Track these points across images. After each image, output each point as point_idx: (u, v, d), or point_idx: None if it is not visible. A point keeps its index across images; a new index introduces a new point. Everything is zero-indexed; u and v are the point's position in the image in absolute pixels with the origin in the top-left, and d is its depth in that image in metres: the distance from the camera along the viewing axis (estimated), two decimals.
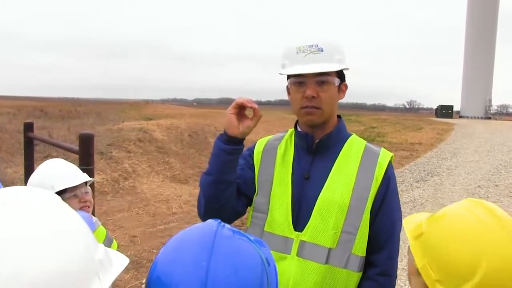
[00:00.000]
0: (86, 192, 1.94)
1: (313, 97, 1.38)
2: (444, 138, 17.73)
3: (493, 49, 43.71)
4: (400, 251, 1.51)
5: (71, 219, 0.68)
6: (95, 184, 6.47)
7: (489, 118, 36.57)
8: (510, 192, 8.07)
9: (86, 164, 3.20)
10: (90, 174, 3.27)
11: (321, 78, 1.39)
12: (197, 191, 7.52)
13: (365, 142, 1.51)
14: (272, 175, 1.49)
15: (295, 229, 1.40)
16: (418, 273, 0.95)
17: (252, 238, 0.82)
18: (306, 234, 1.38)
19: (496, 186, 8.49)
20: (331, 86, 1.41)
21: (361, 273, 1.39)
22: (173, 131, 12.51)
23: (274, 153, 1.52)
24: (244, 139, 1.41)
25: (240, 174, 1.49)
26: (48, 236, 0.62)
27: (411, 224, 1.04)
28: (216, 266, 0.72)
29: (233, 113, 1.38)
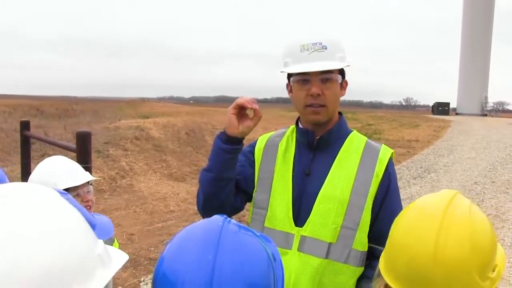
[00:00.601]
0: (88, 192, 1.93)
1: (318, 94, 1.39)
2: (441, 135, 17.78)
3: (489, 46, 43.84)
4: None
5: (70, 214, 0.68)
6: (93, 183, 6.41)
7: (485, 115, 36.70)
8: (507, 188, 8.11)
9: (83, 163, 3.19)
10: (88, 172, 3.26)
11: (325, 76, 1.39)
12: (194, 189, 7.52)
13: (366, 138, 1.52)
14: (273, 171, 1.50)
15: (296, 225, 1.41)
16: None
17: (257, 233, 0.82)
18: (306, 229, 1.39)
19: (493, 182, 8.52)
20: (335, 83, 1.42)
21: (362, 267, 1.40)
22: (170, 129, 12.48)
23: (275, 150, 1.53)
24: (244, 138, 1.43)
25: (240, 170, 1.50)
26: (46, 231, 0.62)
27: None
28: (223, 261, 0.72)
29: (234, 113, 1.40)
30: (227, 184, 1.43)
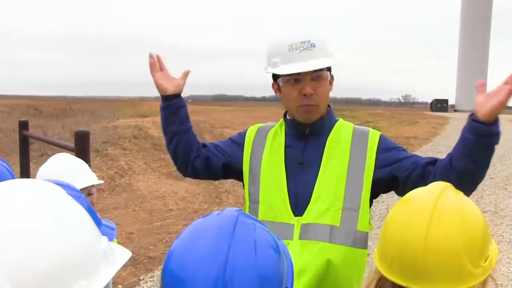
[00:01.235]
0: (91, 193, 1.91)
1: (311, 94, 1.40)
2: (439, 132, 17.81)
3: (487, 43, 43.83)
4: None
5: (74, 210, 0.69)
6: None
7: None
8: (505, 184, 8.12)
9: None
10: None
11: (316, 74, 1.40)
12: (193, 187, 7.53)
13: (352, 124, 1.55)
14: (260, 165, 1.50)
15: (295, 215, 1.41)
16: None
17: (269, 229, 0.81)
18: (307, 217, 1.39)
19: (492, 179, 8.54)
20: (325, 80, 1.43)
21: (365, 250, 1.41)
22: None
23: (263, 142, 1.54)
24: (179, 94, 1.61)
25: (225, 149, 1.60)
26: (50, 226, 0.63)
27: None
28: (236, 253, 0.71)
29: (157, 79, 1.59)
30: (173, 137, 1.59)
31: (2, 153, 9.35)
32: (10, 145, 9.85)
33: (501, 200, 6.99)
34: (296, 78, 1.41)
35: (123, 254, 0.74)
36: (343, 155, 1.42)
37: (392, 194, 1.51)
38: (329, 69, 1.46)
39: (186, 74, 1.62)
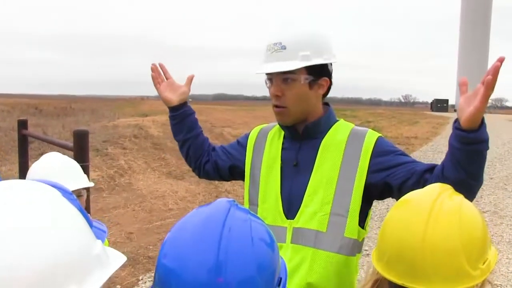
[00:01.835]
0: (81, 195, 1.85)
1: (277, 95, 1.40)
2: (440, 132, 17.80)
3: (487, 42, 43.79)
4: None
5: (69, 212, 0.68)
6: (91, 181, 6.39)
7: (484, 111, 36.71)
8: (505, 184, 8.12)
9: (81, 161, 3.18)
10: (85, 170, 3.25)
11: (285, 76, 1.38)
12: (193, 187, 7.52)
13: (352, 125, 1.49)
14: (260, 167, 1.50)
15: (288, 217, 1.40)
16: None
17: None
18: (298, 221, 1.38)
19: (491, 179, 8.53)
20: (297, 83, 1.38)
21: (355, 256, 1.37)
22: (169, 127, 12.42)
23: (264, 144, 1.54)
24: (186, 102, 1.66)
25: (231, 152, 1.63)
26: (45, 227, 0.62)
27: None
28: (231, 239, 0.70)
29: (162, 91, 1.64)
30: (183, 144, 1.67)
31: (1, 152, 9.35)
32: (9, 144, 9.85)
33: (500, 200, 6.98)
34: (270, 79, 1.42)
35: (117, 259, 0.73)
36: (336, 158, 1.38)
37: None
38: (317, 71, 1.39)
39: (190, 79, 1.66)
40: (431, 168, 1.29)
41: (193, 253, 0.70)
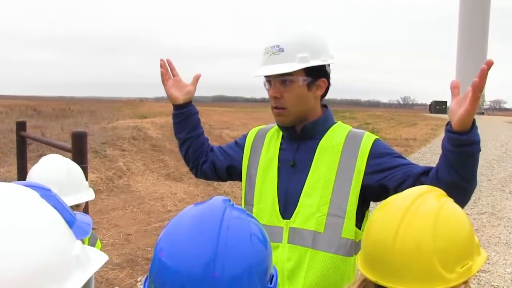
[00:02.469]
0: (79, 205, 1.78)
1: (276, 97, 1.42)
2: (438, 134, 17.82)
3: (485, 44, 43.88)
4: None
5: (47, 214, 0.68)
6: (89, 183, 6.38)
7: (482, 113, 36.85)
8: (503, 186, 8.13)
9: (79, 163, 3.16)
10: (84, 172, 3.24)
11: (283, 78, 1.40)
12: (191, 188, 7.52)
13: (350, 127, 1.50)
14: (257, 167, 1.52)
15: (284, 217, 1.41)
16: None
17: None
18: (294, 221, 1.39)
19: (489, 180, 8.55)
20: (295, 85, 1.40)
21: (352, 257, 1.38)
22: (168, 129, 12.46)
23: (261, 144, 1.56)
24: (191, 101, 1.67)
25: (229, 153, 1.65)
26: (21, 230, 0.61)
27: None
28: (227, 236, 0.71)
29: (169, 88, 1.64)
30: (184, 143, 1.67)
31: (0, 153, 9.33)
32: (8, 146, 9.83)
33: (498, 201, 6.99)
34: (268, 81, 1.44)
35: (98, 259, 0.73)
36: (333, 159, 1.39)
37: None
38: (314, 73, 1.41)
39: (196, 79, 1.66)
40: (427, 170, 1.30)
41: (189, 248, 0.70)
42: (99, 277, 3.70)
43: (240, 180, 1.60)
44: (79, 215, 1.25)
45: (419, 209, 0.90)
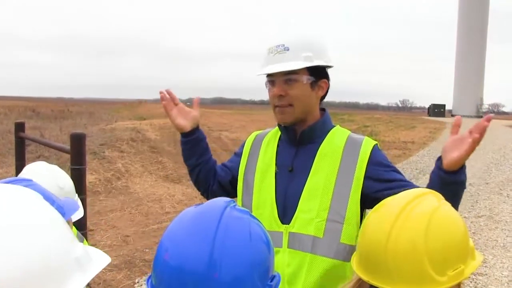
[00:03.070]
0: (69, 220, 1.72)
1: (281, 95, 1.42)
2: (437, 137, 17.86)
3: (484, 48, 44.02)
4: None
5: (47, 217, 0.67)
6: (88, 184, 6.41)
7: (481, 117, 36.84)
8: (500, 189, 8.15)
9: (77, 164, 3.18)
10: (82, 174, 3.25)
11: (288, 77, 1.41)
12: (190, 190, 7.51)
13: (349, 131, 1.51)
14: (254, 172, 1.52)
15: (283, 222, 1.41)
16: None
17: None
18: (294, 226, 1.39)
19: (487, 184, 8.57)
20: (299, 84, 1.42)
21: (350, 262, 1.39)
22: (166, 130, 12.46)
23: (258, 149, 1.56)
24: (197, 127, 1.64)
25: (229, 166, 1.65)
26: (20, 233, 0.61)
27: None
28: (226, 236, 0.72)
29: (174, 119, 1.60)
30: (194, 169, 1.65)
31: None
32: (6, 147, 9.82)
33: (496, 205, 7.00)
34: (271, 80, 1.45)
35: (100, 261, 0.72)
36: (333, 165, 1.40)
37: None
38: (317, 73, 1.44)
39: (196, 103, 1.67)
40: None
41: (188, 248, 0.71)
42: (97, 279, 3.68)
43: None
44: (65, 200, 1.23)
45: (413, 211, 0.91)
